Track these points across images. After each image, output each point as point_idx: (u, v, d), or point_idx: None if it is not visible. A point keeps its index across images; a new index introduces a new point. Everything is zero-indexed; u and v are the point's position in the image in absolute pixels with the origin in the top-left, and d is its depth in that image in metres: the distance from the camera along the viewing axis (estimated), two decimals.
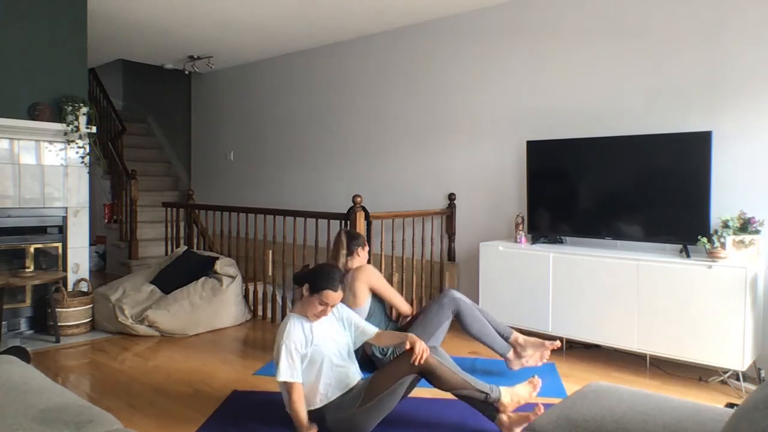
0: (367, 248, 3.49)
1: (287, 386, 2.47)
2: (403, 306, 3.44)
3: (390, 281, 4.04)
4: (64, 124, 4.25)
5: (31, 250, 4.29)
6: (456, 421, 2.72)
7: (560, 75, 4.21)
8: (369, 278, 3.30)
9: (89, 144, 4.52)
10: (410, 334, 2.53)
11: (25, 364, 2.17)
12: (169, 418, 2.75)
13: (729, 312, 3.08)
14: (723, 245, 3.25)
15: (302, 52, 6.13)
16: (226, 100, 7.12)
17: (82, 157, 4.45)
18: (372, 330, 2.71)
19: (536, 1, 4.33)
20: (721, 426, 1.39)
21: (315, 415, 2.53)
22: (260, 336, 4.30)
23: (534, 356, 3.24)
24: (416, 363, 2.40)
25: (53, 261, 4.40)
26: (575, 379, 3.32)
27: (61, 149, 4.37)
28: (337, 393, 2.55)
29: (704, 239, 3.27)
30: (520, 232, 4.12)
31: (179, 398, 3.01)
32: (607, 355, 3.74)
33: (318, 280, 2.52)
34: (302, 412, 2.48)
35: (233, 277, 4.66)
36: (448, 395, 3.04)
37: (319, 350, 2.53)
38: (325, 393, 2.54)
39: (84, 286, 4.45)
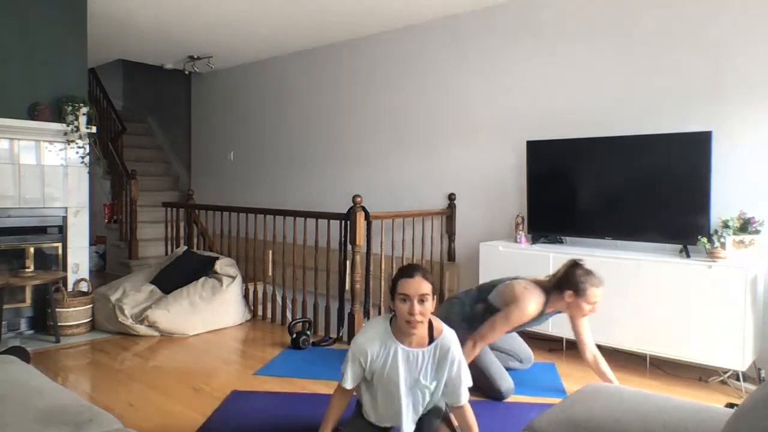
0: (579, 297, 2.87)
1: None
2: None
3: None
4: (64, 124, 4.25)
5: (31, 250, 4.29)
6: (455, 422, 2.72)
7: (560, 75, 4.21)
8: (517, 316, 2.89)
9: (89, 144, 4.52)
10: None
11: (25, 364, 2.18)
12: (169, 418, 2.75)
13: (729, 312, 3.08)
14: (723, 245, 3.25)
15: (302, 52, 6.12)
16: (226, 100, 7.12)
17: (82, 157, 4.45)
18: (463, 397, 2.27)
19: (537, 1, 4.33)
20: (721, 426, 1.39)
21: None
22: (260, 336, 4.30)
23: None
24: None
25: (53, 261, 4.40)
26: (575, 379, 3.32)
27: (61, 149, 4.37)
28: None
29: (704, 239, 3.27)
30: (520, 232, 4.12)
31: (179, 398, 3.01)
32: (607, 355, 3.73)
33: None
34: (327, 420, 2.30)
35: (233, 277, 4.66)
36: None
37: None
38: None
39: (84, 286, 4.45)
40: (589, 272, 2.82)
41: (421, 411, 2.29)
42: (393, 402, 2.22)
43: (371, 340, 2.19)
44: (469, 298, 3.14)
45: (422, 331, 2.18)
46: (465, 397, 2.26)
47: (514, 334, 3.34)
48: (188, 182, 7.72)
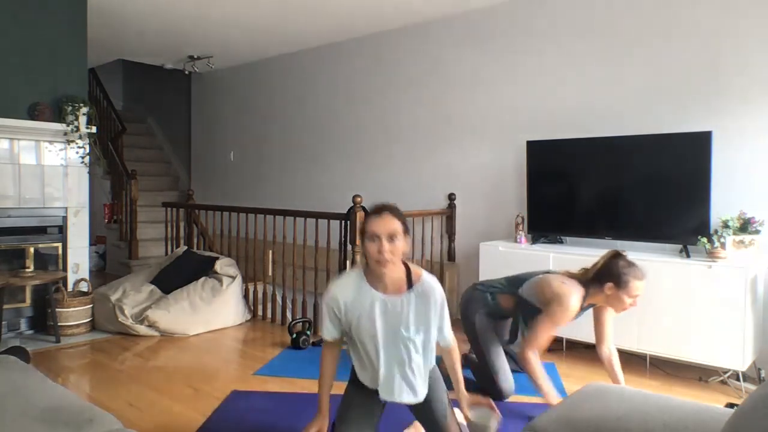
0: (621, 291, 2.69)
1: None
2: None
3: None
4: (64, 124, 4.25)
5: (31, 250, 4.29)
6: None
7: (560, 75, 4.21)
8: (561, 315, 2.74)
9: (89, 144, 4.52)
10: (466, 398, 2.21)
11: (25, 364, 2.18)
12: (169, 418, 2.75)
13: (729, 312, 3.08)
14: (723, 245, 3.25)
15: (302, 52, 6.12)
16: (226, 100, 7.12)
17: (82, 157, 4.45)
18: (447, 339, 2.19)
19: (536, 1, 4.33)
20: (721, 426, 1.39)
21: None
22: (260, 336, 4.30)
23: None
24: None
25: (53, 261, 4.40)
26: (575, 379, 3.32)
27: (61, 149, 4.37)
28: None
29: (704, 239, 3.27)
30: (520, 232, 4.12)
31: (179, 398, 3.00)
32: None
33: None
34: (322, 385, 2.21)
35: (233, 277, 4.66)
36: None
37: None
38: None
39: (84, 286, 4.45)
40: (631, 263, 2.68)
41: (413, 376, 2.07)
42: (373, 359, 2.08)
43: (343, 287, 2.09)
44: (495, 290, 3.05)
45: (397, 274, 2.07)
46: (450, 340, 2.20)
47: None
48: (188, 182, 7.72)
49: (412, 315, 2.04)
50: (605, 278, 2.68)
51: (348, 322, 2.08)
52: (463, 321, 3.14)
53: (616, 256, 2.73)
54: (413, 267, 2.13)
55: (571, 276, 2.84)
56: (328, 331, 2.14)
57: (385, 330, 2.04)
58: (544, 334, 2.77)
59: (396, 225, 2.01)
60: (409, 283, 2.07)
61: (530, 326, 2.88)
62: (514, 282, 3.01)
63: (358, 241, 3.99)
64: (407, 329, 2.03)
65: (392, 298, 2.05)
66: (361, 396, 2.18)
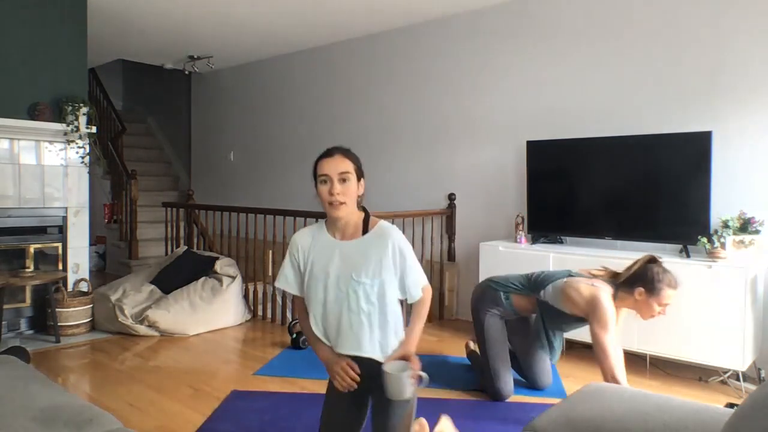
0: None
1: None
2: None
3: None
4: (64, 124, 4.25)
5: (31, 250, 4.29)
6: (454, 421, 2.72)
7: (560, 75, 4.21)
8: (608, 317, 2.61)
9: (89, 144, 4.52)
10: (410, 355, 1.91)
11: (25, 364, 2.18)
12: (169, 418, 2.75)
13: (729, 312, 3.08)
14: (723, 245, 3.25)
15: (302, 52, 6.12)
16: (226, 100, 7.12)
17: (82, 157, 4.45)
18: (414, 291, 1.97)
19: (536, 1, 4.33)
20: (721, 426, 1.39)
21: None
22: (260, 336, 4.30)
23: None
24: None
25: (53, 261, 4.40)
26: (575, 379, 3.32)
27: (61, 149, 4.37)
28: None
29: (704, 239, 3.27)
30: (520, 232, 4.12)
31: (179, 398, 3.01)
32: None
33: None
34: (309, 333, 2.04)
35: (233, 277, 4.66)
36: (447, 395, 3.05)
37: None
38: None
39: (84, 286, 4.45)
40: (666, 270, 2.60)
41: (360, 328, 1.91)
42: (321, 305, 1.96)
43: (303, 233, 2.07)
44: (510, 289, 2.97)
45: (353, 219, 2.00)
46: (416, 295, 1.97)
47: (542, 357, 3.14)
48: (188, 182, 7.72)
49: (365, 260, 1.92)
50: (637, 282, 2.61)
51: (304, 267, 2.00)
52: (473, 315, 3.10)
53: (652, 261, 2.65)
54: (373, 217, 2.06)
55: (595, 276, 2.78)
56: (284, 279, 2.04)
57: (337, 275, 1.94)
58: (608, 343, 2.56)
59: (347, 165, 1.95)
60: (365, 229, 2.00)
61: (551, 326, 2.83)
62: (535, 284, 2.91)
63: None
64: (358, 275, 1.91)
65: (347, 243, 1.98)
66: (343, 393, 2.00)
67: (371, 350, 1.92)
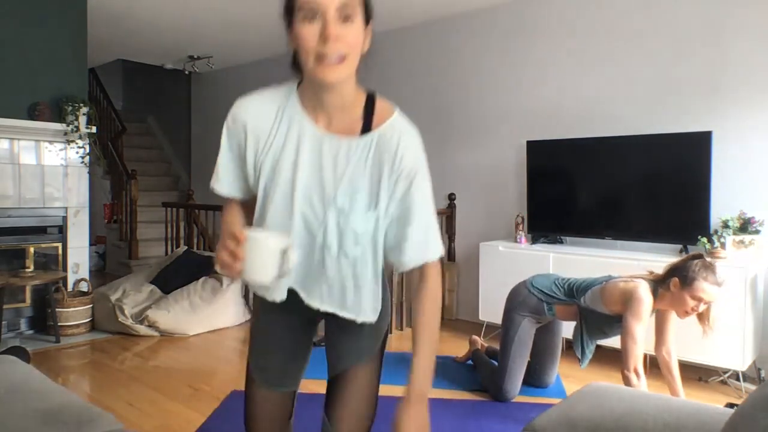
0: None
1: None
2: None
3: (390, 281, 4.03)
4: (64, 124, 4.25)
5: (31, 250, 4.29)
6: (454, 422, 2.72)
7: (560, 75, 4.21)
8: (639, 308, 2.56)
9: (89, 144, 4.52)
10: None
11: (25, 364, 2.17)
12: (169, 418, 2.75)
13: (729, 312, 3.08)
14: (723, 245, 3.25)
15: None
16: (226, 100, 7.08)
17: (82, 157, 4.45)
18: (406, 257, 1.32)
19: (536, 1, 4.33)
20: (721, 426, 1.39)
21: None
22: None
23: None
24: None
25: (53, 261, 4.40)
26: (575, 379, 3.32)
27: (61, 149, 4.37)
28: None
29: (704, 239, 3.27)
30: (520, 232, 4.12)
31: (179, 398, 3.00)
32: (607, 355, 3.73)
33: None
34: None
35: None
36: (447, 395, 3.05)
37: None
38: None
39: (84, 286, 4.45)
40: (707, 266, 2.50)
41: (338, 272, 1.24)
42: (277, 226, 1.21)
43: (255, 103, 1.29)
44: (553, 301, 2.91)
45: (350, 98, 1.20)
46: (415, 259, 1.35)
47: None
48: (188, 182, 7.72)
49: (360, 175, 1.19)
50: (674, 273, 2.55)
51: (254, 164, 1.26)
52: (505, 314, 3.03)
53: (696, 256, 2.58)
54: (381, 100, 1.24)
55: (635, 276, 2.74)
56: (219, 176, 1.37)
57: (308, 186, 1.20)
58: (635, 332, 2.52)
59: None
60: (367, 124, 1.20)
61: (593, 333, 2.79)
62: (573, 291, 2.88)
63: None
64: (346, 198, 1.19)
65: (333, 138, 1.19)
66: (277, 325, 1.48)
67: (354, 311, 1.29)
